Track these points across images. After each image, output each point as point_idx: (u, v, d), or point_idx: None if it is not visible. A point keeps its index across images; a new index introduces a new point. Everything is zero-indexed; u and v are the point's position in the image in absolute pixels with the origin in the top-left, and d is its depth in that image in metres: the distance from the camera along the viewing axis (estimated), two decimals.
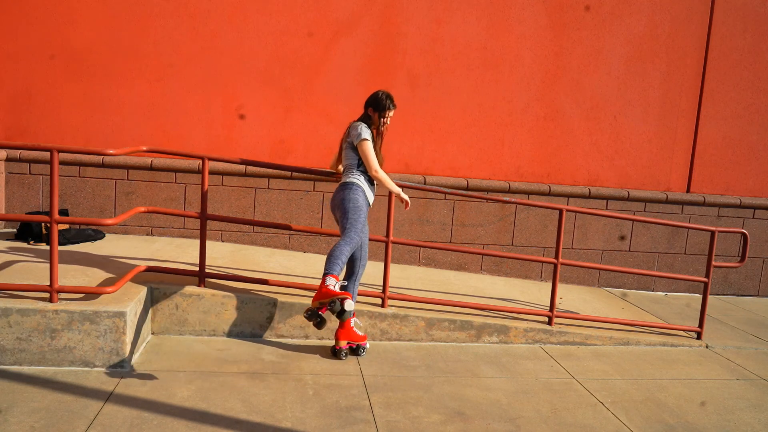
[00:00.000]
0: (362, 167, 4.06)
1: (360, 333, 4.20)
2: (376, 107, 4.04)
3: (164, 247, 5.47)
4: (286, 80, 6.06)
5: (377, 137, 4.08)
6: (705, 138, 6.90)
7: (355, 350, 4.23)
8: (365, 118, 4.06)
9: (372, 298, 4.77)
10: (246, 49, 5.96)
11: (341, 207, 3.96)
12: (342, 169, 4.18)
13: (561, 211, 4.93)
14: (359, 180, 4.03)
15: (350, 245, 3.81)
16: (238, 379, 3.71)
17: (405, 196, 4.12)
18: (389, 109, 4.05)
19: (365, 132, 3.95)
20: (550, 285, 6.33)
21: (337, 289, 3.63)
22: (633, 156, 6.77)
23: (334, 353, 4.15)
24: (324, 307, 3.59)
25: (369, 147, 3.93)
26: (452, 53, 6.29)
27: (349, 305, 3.55)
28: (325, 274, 3.66)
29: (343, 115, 5.94)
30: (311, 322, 3.74)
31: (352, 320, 4.21)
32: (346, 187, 4.01)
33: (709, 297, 5.87)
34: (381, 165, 4.05)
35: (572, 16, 6.46)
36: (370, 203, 4.11)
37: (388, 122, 4.10)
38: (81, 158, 5.74)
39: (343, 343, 4.16)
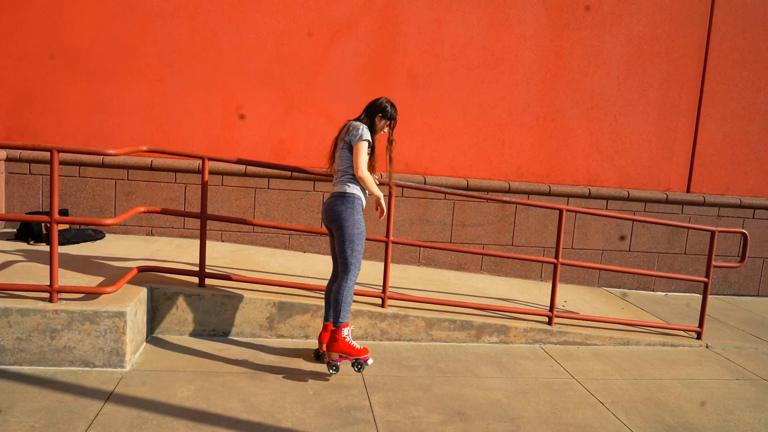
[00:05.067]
0: None
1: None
2: (385, 116, 3.97)
3: (164, 247, 5.47)
4: (286, 80, 6.06)
5: (389, 145, 4.01)
6: (705, 138, 6.90)
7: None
8: (369, 124, 3.93)
9: (372, 298, 4.77)
10: (246, 49, 5.96)
11: (341, 228, 3.80)
12: (335, 170, 3.98)
13: (561, 211, 4.93)
14: (358, 190, 3.88)
15: (354, 281, 3.87)
16: (238, 379, 3.71)
17: (384, 204, 3.92)
18: (395, 119, 4.02)
19: (367, 134, 3.86)
20: (550, 285, 6.33)
21: (353, 342, 3.90)
22: (633, 156, 6.77)
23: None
24: (343, 358, 3.91)
25: (364, 148, 3.79)
26: (452, 53, 6.29)
27: (370, 361, 3.95)
28: (339, 326, 3.82)
29: (343, 115, 5.94)
30: (330, 371, 3.91)
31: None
32: (347, 200, 3.83)
33: (709, 297, 5.88)
34: (392, 173, 4.04)
35: (572, 16, 6.46)
36: (363, 207, 4.06)
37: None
38: (81, 158, 5.74)
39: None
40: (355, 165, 3.81)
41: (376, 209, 4.00)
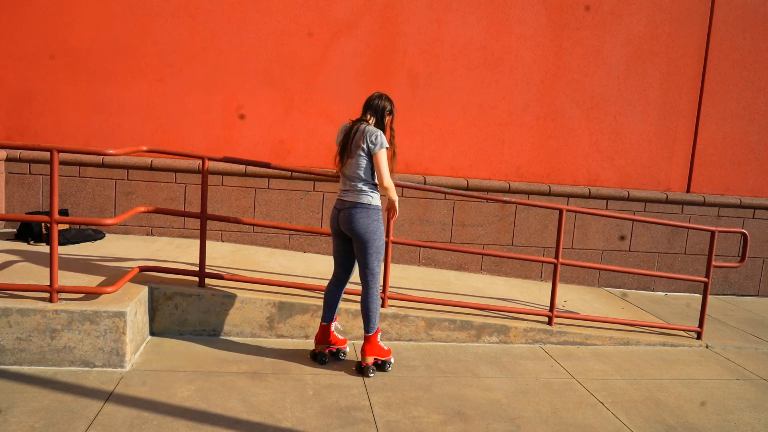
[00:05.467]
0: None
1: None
2: (391, 113, 3.93)
3: (164, 247, 5.47)
4: (286, 80, 6.06)
5: (392, 140, 3.95)
6: (705, 138, 6.90)
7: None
8: (381, 127, 3.85)
9: None
10: (246, 49, 5.96)
11: (369, 241, 3.78)
12: (348, 176, 3.83)
13: (561, 211, 4.93)
14: (378, 199, 3.84)
15: (378, 287, 3.93)
16: (238, 379, 3.71)
17: (397, 207, 4.08)
18: (395, 113, 3.99)
19: (386, 141, 3.76)
20: (550, 285, 6.33)
21: (382, 343, 4.12)
22: (633, 156, 6.77)
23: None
24: (375, 360, 4.05)
25: (385, 157, 3.74)
26: (452, 53, 6.29)
27: (392, 359, 4.17)
28: (373, 333, 3.96)
29: (342, 114, 5.94)
30: (369, 375, 3.97)
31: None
32: (371, 212, 3.78)
33: (709, 297, 5.87)
34: (393, 169, 3.95)
35: (572, 16, 6.46)
36: None
37: None
38: (81, 158, 5.74)
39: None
40: (380, 175, 3.77)
41: (386, 210, 4.01)
